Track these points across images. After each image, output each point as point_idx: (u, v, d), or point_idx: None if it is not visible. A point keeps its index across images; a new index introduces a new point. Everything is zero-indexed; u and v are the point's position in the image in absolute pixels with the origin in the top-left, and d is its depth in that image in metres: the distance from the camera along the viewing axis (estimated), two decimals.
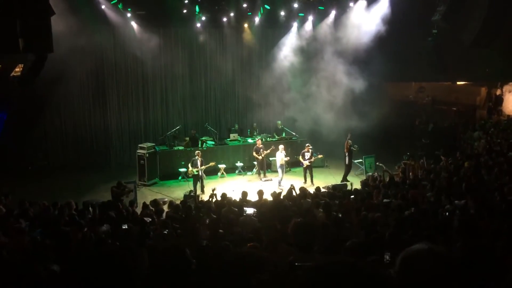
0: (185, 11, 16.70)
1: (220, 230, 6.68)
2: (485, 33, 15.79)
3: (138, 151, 15.47)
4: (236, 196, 10.54)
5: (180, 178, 15.71)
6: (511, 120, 17.14)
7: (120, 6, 15.77)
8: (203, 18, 17.48)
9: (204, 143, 16.61)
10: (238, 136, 17.59)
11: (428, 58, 18.12)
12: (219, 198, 10.01)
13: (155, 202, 10.07)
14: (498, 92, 19.65)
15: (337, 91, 16.90)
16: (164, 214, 8.75)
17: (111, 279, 1.90)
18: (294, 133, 18.00)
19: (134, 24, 16.71)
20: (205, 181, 14.66)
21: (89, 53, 16.45)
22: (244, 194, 10.09)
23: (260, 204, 8.88)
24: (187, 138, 16.81)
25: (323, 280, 1.47)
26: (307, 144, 15.69)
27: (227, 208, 8.67)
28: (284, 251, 4.90)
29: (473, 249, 4.47)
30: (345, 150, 15.22)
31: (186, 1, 16.48)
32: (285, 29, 19.01)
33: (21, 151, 16.17)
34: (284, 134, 18.04)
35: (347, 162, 15.27)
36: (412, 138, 18.12)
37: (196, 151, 14.41)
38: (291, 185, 10.69)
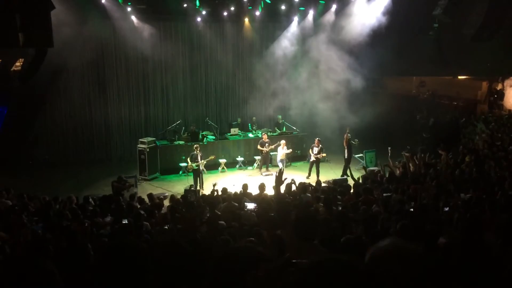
0: (185, 5, 16.65)
1: (221, 222, 6.69)
2: (486, 27, 15.73)
3: (138, 145, 15.49)
4: (236, 191, 10.56)
5: (180, 172, 15.74)
6: None
7: (120, 0, 15.72)
8: (204, 12, 17.42)
9: (205, 138, 16.62)
10: (239, 131, 17.60)
11: (429, 53, 18.06)
12: (220, 193, 10.02)
13: (150, 196, 10.09)
14: (499, 86, 19.62)
15: (338, 85, 16.86)
16: (165, 208, 8.76)
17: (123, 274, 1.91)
18: (294, 128, 18.00)
19: (134, 18, 16.65)
20: (205, 176, 14.67)
21: (89, 47, 16.43)
22: (245, 186, 10.11)
23: (261, 199, 8.88)
24: (188, 133, 16.82)
25: (316, 279, 1.47)
26: (317, 139, 15.55)
27: (227, 203, 8.69)
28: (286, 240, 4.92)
29: (474, 245, 4.51)
30: (344, 144, 15.22)
31: None
32: (286, 23, 18.95)
33: (22, 146, 16.18)
34: (284, 129, 18.03)
35: (346, 156, 15.27)
36: (413, 133, 18.10)
37: (195, 145, 14.41)
38: (292, 179, 10.63)
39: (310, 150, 15.45)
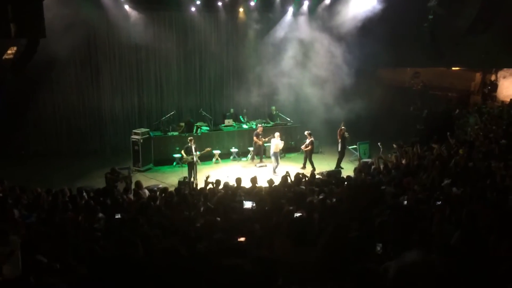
0: None
1: (217, 218, 6.68)
2: (480, 19, 15.75)
3: (132, 136, 15.43)
4: (230, 182, 10.53)
5: (174, 163, 15.72)
6: (505, 106, 17.18)
7: None
8: (198, 2, 17.29)
9: (199, 129, 16.57)
10: (233, 122, 17.56)
11: (423, 44, 18.05)
12: (213, 186, 9.98)
13: (138, 184, 10.08)
14: (493, 78, 19.68)
15: (333, 76, 16.86)
16: (157, 201, 8.72)
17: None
18: (288, 119, 17.99)
19: (127, 8, 16.50)
20: (199, 167, 14.64)
21: (82, 37, 16.24)
22: (239, 180, 10.10)
23: (254, 193, 8.88)
24: (182, 124, 16.77)
25: None
26: (307, 132, 15.59)
27: (221, 195, 8.67)
28: (280, 245, 4.93)
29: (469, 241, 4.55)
30: (338, 137, 15.24)
31: None
32: (281, 13, 18.85)
33: (14, 136, 16.07)
34: (278, 120, 18.02)
35: (339, 149, 15.30)
36: (407, 124, 18.16)
37: (189, 137, 14.36)
38: (286, 172, 10.70)
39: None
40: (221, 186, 9.75)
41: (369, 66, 18.68)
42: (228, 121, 17.40)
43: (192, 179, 13.53)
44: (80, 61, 16.84)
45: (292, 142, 17.51)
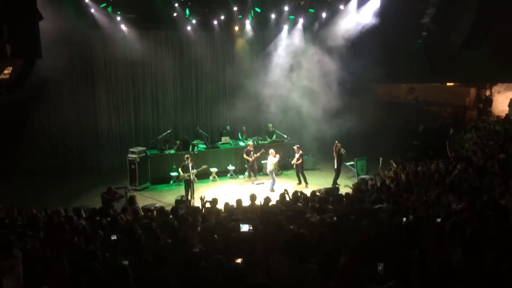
0: (175, 14, 16.64)
1: (215, 236, 6.61)
2: (474, 35, 15.93)
3: (129, 155, 15.36)
4: (228, 200, 10.41)
5: (171, 182, 15.63)
6: (500, 121, 17.26)
7: (109, 9, 15.64)
8: (194, 21, 17.40)
9: (195, 147, 16.53)
10: (230, 139, 17.54)
11: (418, 60, 18.21)
12: (209, 206, 9.85)
13: (131, 200, 9.95)
14: (488, 93, 19.83)
15: (328, 93, 16.94)
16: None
17: None
18: (285, 136, 17.98)
19: (124, 28, 16.58)
20: (196, 185, 14.55)
21: (79, 56, 16.32)
22: (239, 202, 9.85)
23: (251, 211, 8.81)
24: (178, 142, 16.72)
25: None
26: (296, 146, 15.72)
27: (219, 215, 8.58)
28: (277, 262, 4.87)
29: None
30: (334, 154, 15.17)
31: (176, 5, 16.42)
32: (276, 31, 19.00)
33: (9, 155, 15.96)
34: (275, 137, 18.00)
35: (335, 166, 15.21)
36: (403, 140, 18.18)
37: (186, 155, 14.30)
38: (284, 189, 10.60)
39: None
40: (218, 205, 9.65)
41: (364, 82, 18.78)
42: (225, 139, 17.38)
43: (189, 197, 13.44)
44: (76, 79, 16.83)
45: (290, 159, 17.45)
